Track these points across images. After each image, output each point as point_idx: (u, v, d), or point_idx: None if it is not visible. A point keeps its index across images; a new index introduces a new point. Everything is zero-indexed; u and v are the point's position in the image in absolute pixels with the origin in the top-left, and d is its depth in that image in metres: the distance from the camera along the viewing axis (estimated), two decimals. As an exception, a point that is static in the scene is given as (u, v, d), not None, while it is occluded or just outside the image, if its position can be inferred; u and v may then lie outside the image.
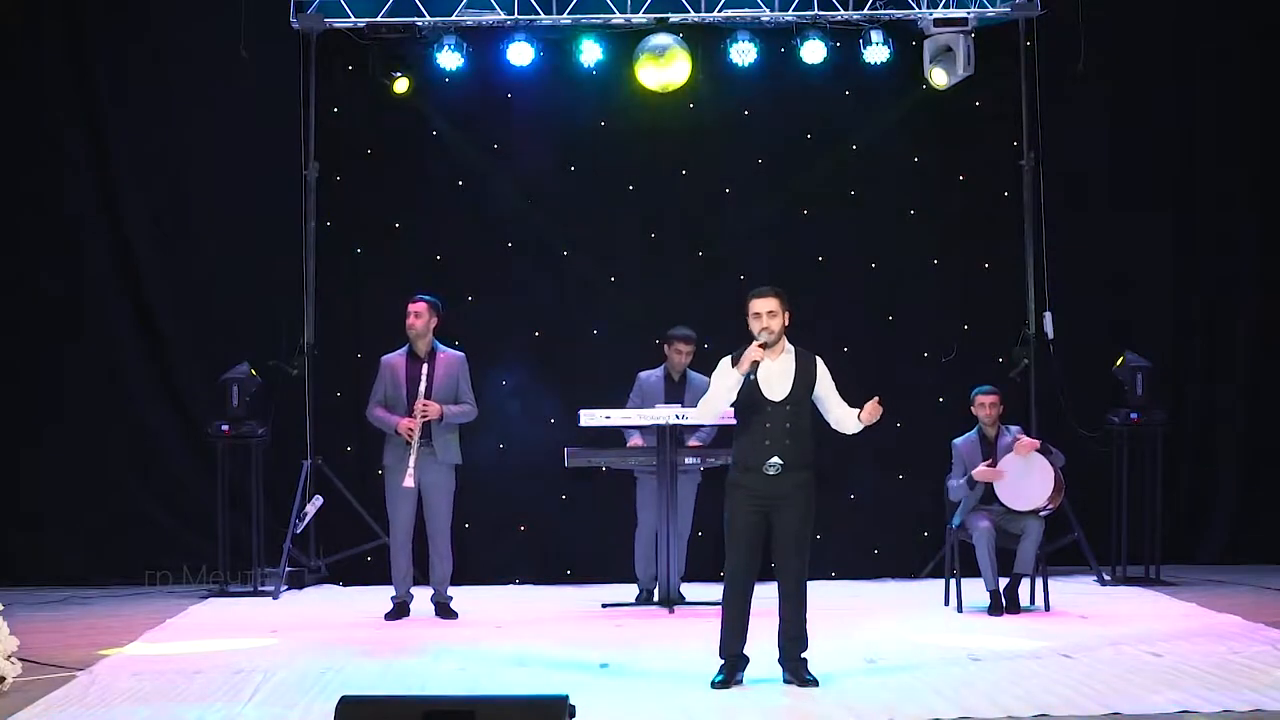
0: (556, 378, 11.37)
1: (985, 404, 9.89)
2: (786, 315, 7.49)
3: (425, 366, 9.68)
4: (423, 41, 11.31)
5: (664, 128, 11.54)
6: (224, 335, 11.36)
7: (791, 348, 7.53)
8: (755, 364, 7.35)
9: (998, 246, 11.65)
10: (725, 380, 7.42)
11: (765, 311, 7.43)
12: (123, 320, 11.53)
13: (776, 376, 7.43)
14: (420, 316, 9.75)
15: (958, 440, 9.96)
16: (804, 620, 7.45)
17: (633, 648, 8.52)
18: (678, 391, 10.23)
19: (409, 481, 9.54)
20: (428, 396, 9.62)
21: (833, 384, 7.58)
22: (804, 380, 7.47)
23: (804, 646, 7.45)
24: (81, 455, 11.39)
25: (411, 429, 9.56)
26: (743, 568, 7.43)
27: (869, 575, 11.39)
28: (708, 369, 8.13)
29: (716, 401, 7.52)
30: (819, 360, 7.57)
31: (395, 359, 9.85)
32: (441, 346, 9.86)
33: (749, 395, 7.41)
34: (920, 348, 11.70)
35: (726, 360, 7.49)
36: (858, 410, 7.57)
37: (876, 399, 7.51)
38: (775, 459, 7.34)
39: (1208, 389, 11.95)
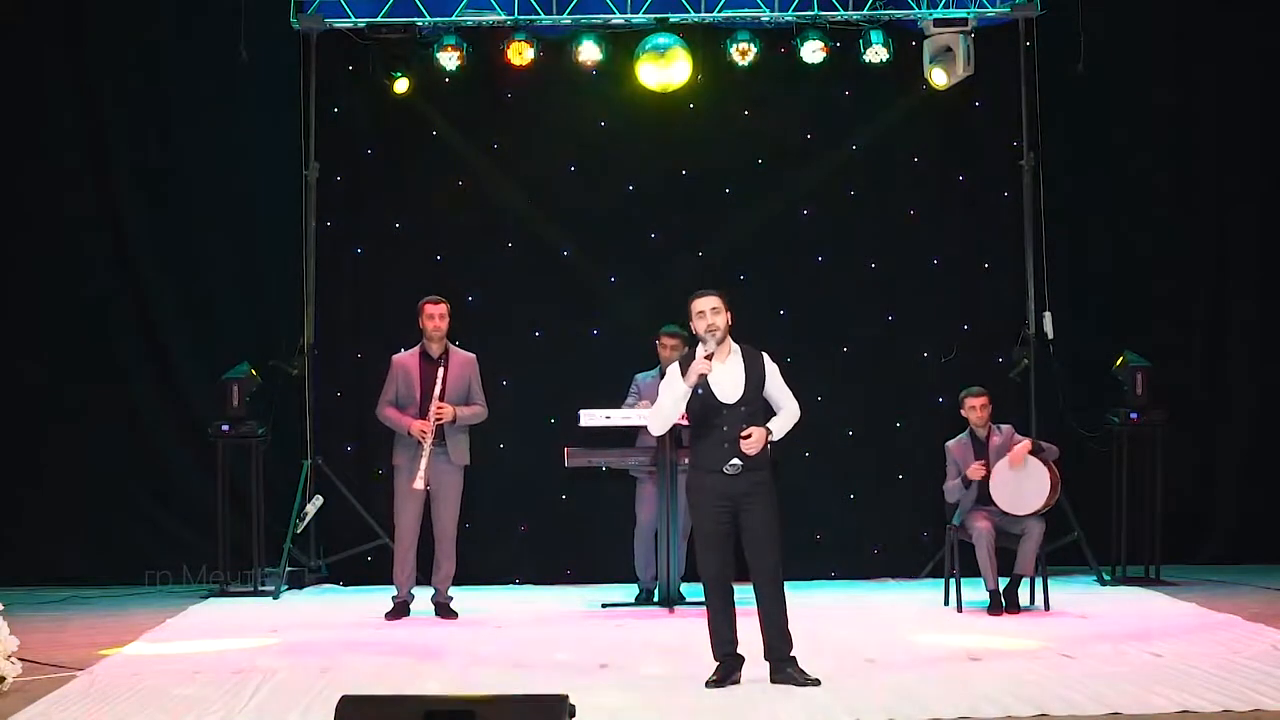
0: (556, 378, 11.38)
1: (975, 406, 9.88)
2: (729, 315, 7.43)
3: (441, 368, 9.67)
4: (423, 41, 11.31)
5: (664, 128, 11.55)
6: (224, 335, 11.37)
7: (737, 347, 7.50)
8: (703, 376, 7.33)
9: (998, 246, 11.67)
10: (673, 391, 7.41)
11: (709, 309, 7.38)
12: (122, 320, 11.53)
13: (728, 379, 7.41)
14: (445, 318, 9.75)
15: (950, 442, 9.96)
16: (785, 616, 7.43)
17: (633, 648, 8.52)
18: (674, 391, 10.22)
19: (419, 483, 9.55)
20: (442, 398, 9.62)
21: (780, 380, 7.55)
22: (755, 380, 7.45)
23: (790, 644, 7.42)
24: (82, 455, 11.39)
25: (425, 430, 9.55)
26: (718, 568, 7.42)
27: (869, 575, 11.40)
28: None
29: (666, 413, 7.53)
30: (765, 356, 7.54)
31: (407, 359, 9.83)
32: (453, 347, 9.86)
33: (703, 400, 7.40)
34: (920, 348, 11.70)
35: (675, 368, 7.48)
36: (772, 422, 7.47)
37: (752, 431, 7.33)
38: (735, 460, 7.34)
39: (1208, 389, 11.95)
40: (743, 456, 7.33)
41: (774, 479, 7.48)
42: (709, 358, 7.33)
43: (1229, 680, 7.27)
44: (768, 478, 7.44)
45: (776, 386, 7.55)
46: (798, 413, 7.58)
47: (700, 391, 7.38)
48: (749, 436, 7.32)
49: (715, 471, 7.37)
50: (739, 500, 7.37)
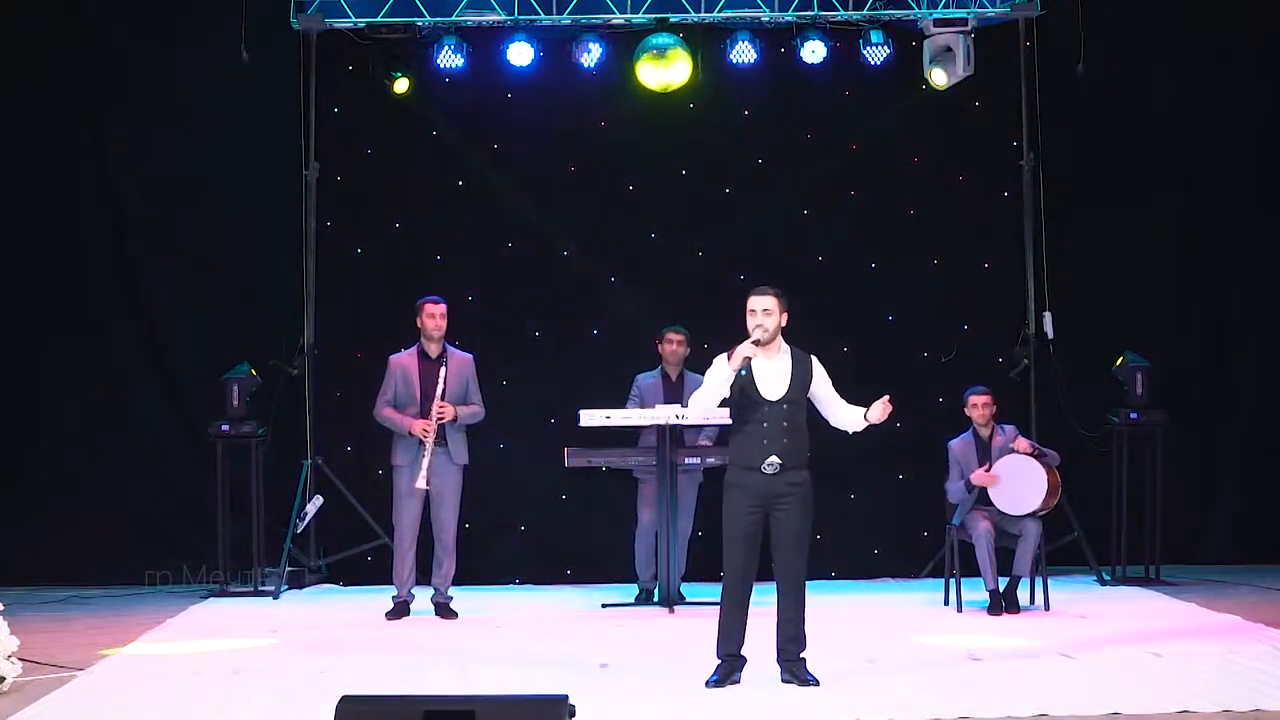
0: (556, 378, 11.37)
1: (979, 404, 9.89)
2: (784, 316, 7.50)
3: (441, 368, 9.67)
4: (423, 42, 11.31)
5: (664, 128, 11.54)
6: (224, 335, 11.35)
7: (788, 347, 7.54)
8: (747, 360, 7.35)
9: (998, 246, 11.66)
10: (718, 374, 7.44)
11: (761, 309, 7.44)
12: (122, 320, 11.53)
13: (773, 375, 7.44)
14: (444, 318, 9.76)
15: (952, 441, 9.96)
16: (803, 620, 7.45)
17: (633, 648, 8.53)
18: (676, 391, 10.24)
19: (421, 482, 9.55)
20: (443, 398, 9.62)
21: (830, 383, 7.61)
22: (800, 379, 7.48)
23: (803, 646, 7.45)
24: (81, 455, 11.39)
25: (427, 430, 9.56)
26: (741, 567, 7.43)
27: (869, 575, 11.40)
28: (707, 368, 8.12)
29: (709, 396, 7.52)
30: (815, 360, 7.59)
31: (406, 359, 9.83)
32: (451, 347, 9.86)
33: (745, 394, 7.42)
34: (920, 348, 11.70)
35: (722, 356, 7.52)
36: (863, 409, 7.57)
37: (887, 398, 7.51)
38: (773, 458, 7.35)
39: (1208, 389, 11.95)
40: (781, 455, 7.34)
41: (813, 480, 7.47)
42: (755, 343, 7.35)
43: (1229, 680, 7.29)
44: (806, 479, 7.45)
45: (825, 389, 7.58)
46: (860, 420, 7.63)
47: (744, 383, 7.39)
48: (890, 399, 7.43)
49: (753, 469, 7.37)
50: (774, 501, 7.37)
